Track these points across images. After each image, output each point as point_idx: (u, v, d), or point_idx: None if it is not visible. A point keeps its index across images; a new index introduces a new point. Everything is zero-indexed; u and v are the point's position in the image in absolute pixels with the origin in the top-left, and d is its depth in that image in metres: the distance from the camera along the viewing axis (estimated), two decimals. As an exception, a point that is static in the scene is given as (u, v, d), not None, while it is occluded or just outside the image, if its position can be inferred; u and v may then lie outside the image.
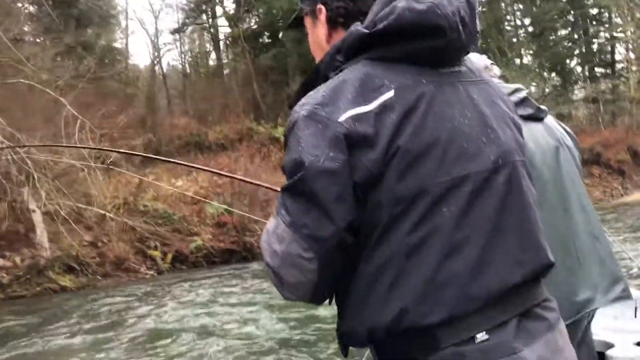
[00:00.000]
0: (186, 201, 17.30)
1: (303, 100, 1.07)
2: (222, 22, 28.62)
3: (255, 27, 27.78)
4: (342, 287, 1.08)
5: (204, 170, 4.43)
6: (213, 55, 30.29)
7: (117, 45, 30.48)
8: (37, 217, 11.47)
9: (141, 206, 14.83)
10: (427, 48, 1.06)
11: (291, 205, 1.02)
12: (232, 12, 27.57)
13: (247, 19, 28.24)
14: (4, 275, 11.69)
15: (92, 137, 12.03)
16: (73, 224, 12.92)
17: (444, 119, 1.04)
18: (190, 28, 30.55)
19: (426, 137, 1.02)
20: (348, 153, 1.00)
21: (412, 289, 0.99)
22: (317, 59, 1.23)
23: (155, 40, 28.43)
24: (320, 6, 1.20)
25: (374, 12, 1.09)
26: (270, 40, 26.59)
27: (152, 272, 13.92)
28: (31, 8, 23.51)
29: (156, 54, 28.05)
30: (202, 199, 16.37)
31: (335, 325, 1.13)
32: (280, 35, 24.43)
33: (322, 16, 1.21)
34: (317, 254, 1.01)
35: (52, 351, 7.29)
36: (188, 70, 31.17)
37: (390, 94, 1.02)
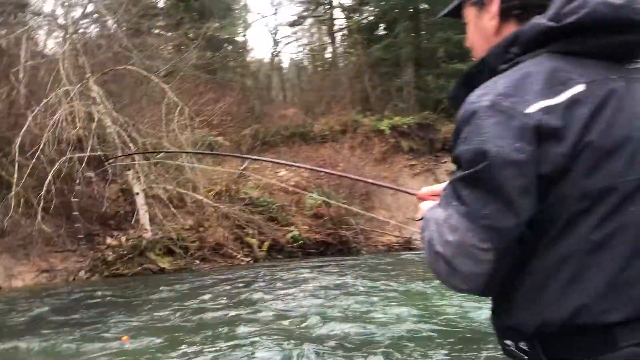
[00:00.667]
0: (287, 190, 17.40)
1: (479, 90, 1.06)
2: (338, 14, 28.63)
3: (370, 18, 27.39)
4: (509, 280, 1.07)
5: (288, 165, 4.17)
6: (330, 48, 30.49)
7: (239, 38, 31.96)
8: (140, 200, 12.02)
9: (242, 194, 15.07)
10: (619, 43, 1.05)
11: (468, 195, 1.02)
12: (348, 3, 27.44)
13: (362, 10, 27.91)
14: (110, 253, 12.41)
15: (191, 123, 12.34)
16: (173, 209, 13.46)
17: (635, 116, 1.03)
18: (308, 21, 31.12)
19: (617, 134, 1.01)
20: (536, 145, 0.99)
21: (593, 286, 0.99)
22: (477, 50, 1.24)
23: (274, 34, 29.21)
24: None
25: (557, 4, 1.07)
26: (384, 31, 26.05)
27: (248, 259, 14.10)
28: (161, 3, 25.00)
29: (275, 47, 28.78)
30: (301, 190, 16.35)
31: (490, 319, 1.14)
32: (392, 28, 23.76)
33: (494, 7, 1.18)
34: (494, 245, 1.00)
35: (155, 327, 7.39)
36: (305, 63, 31.64)
37: (580, 87, 1.01)
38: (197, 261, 13.42)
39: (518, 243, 1.03)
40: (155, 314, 7.88)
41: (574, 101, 1.00)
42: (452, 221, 1.03)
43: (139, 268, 12.12)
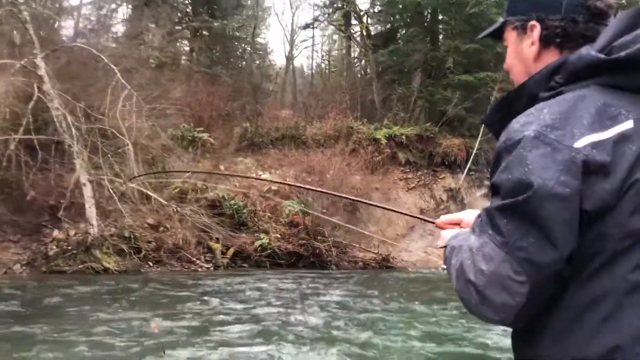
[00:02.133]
0: (266, 196, 16.31)
1: (523, 118, 1.05)
2: (353, 19, 27.62)
3: (383, 25, 26.35)
4: (539, 313, 1.03)
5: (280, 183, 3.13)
6: (342, 52, 29.60)
7: (260, 40, 31.36)
8: (87, 192, 11.02)
9: (210, 195, 13.99)
10: None
11: (507, 225, 0.99)
12: (363, 8, 26.41)
13: (375, 16, 26.88)
14: (54, 247, 11.42)
15: (137, 110, 11.30)
16: (131, 204, 12.44)
17: None
18: (322, 25, 30.34)
19: None
20: (582, 180, 0.97)
21: (628, 327, 0.96)
22: (516, 74, 1.25)
23: (289, 36, 28.50)
24: (535, 23, 1.19)
25: (607, 37, 1.08)
26: (393, 36, 24.95)
27: (208, 266, 13.00)
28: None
29: (289, 48, 28.00)
30: (279, 199, 15.26)
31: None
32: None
33: (536, 33, 1.19)
34: (530, 279, 0.97)
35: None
36: (316, 67, 30.85)
37: (629, 124, 1.01)
38: (151, 263, 12.37)
39: (556, 278, 0.98)
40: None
41: (622, 137, 0.99)
42: (486, 250, 1.00)
43: (80, 266, 11.08)
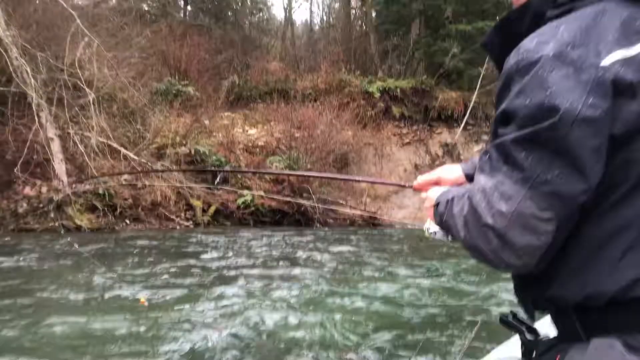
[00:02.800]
0: (252, 151, 15.79)
1: (536, 37, 0.96)
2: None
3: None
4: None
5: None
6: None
7: None
8: (56, 147, 10.50)
9: (192, 149, 13.46)
10: None
11: (527, 158, 0.91)
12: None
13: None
14: (24, 204, 11.00)
15: (98, 58, 10.65)
16: (110, 159, 11.96)
17: None
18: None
19: None
20: (611, 101, 0.88)
21: None
22: None
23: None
24: None
25: None
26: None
27: (188, 224, 12.59)
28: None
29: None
30: (260, 156, 14.73)
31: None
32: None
33: None
34: (557, 214, 0.90)
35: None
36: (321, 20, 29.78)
37: None
38: (128, 221, 11.96)
39: (580, 210, 0.91)
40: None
41: None
42: (504, 188, 0.92)
43: (52, 224, 10.68)
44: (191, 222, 12.67)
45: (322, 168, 16.02)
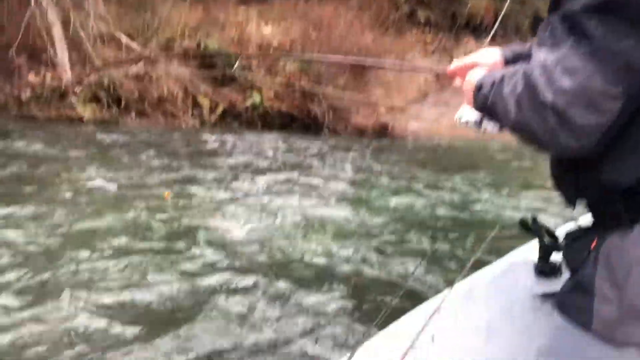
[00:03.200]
0: (264, 49, 15.12)
1: None
2: None
3: None
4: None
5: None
6: None
7: None
8: (57, 32, 10.10)
9: (202, 43, 12.92)
10: None
11: (597, 27, 0.83)
12: None
13: None
14: (28, 91, 10.82)
15: None
16: (115, 49, 11.57)
17: None
18: None
19: None
20: None
21: None
22: None
23: None
24: None
25: None
26: None
27: (194, 122, 12.36)
28: None
29: None
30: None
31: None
32: None
33: None
34: (625, 90, 0.84)
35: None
36: None
37: None
38: (133, 115, 11.76)
39: None
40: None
41: None
42: (569, 62, 0.84)
43: (54, 113, 10.53)
44: (198, 120, 12.43)
45: (339, 73, 15.42)
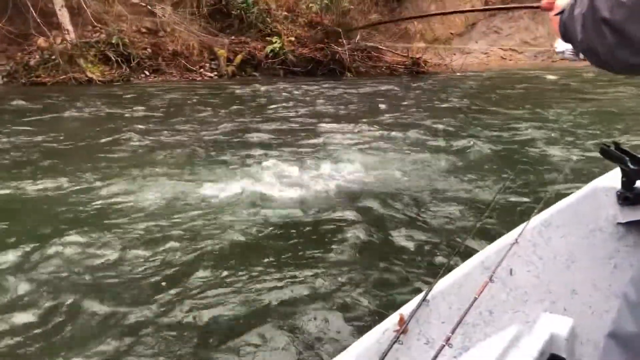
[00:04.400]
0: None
1: None
2: None
3: None
4: None
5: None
6: None
7: None
8: (56, -7, 9.69)
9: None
10: None
11: None
12: None
13: None
14: (36, 56, 10.60)
15: None
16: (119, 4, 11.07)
17: None
18: None
19: None
20: None
21: None
22: None
23: None
24: None
25: None
26: None
27: (211, 74, 11.77)
28: None
29: None
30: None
31: None
32: None
33: None
34: None
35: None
36: None
37: None
38: (147, 72, 11.33)
39: None
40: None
41: None
42: None
43: (63, 76, 10.27)
44: (215, 73, 11.82)
45: (366, 8, 14.19)
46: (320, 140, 5.90)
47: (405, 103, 8.69)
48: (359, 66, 12.52)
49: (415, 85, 10.86)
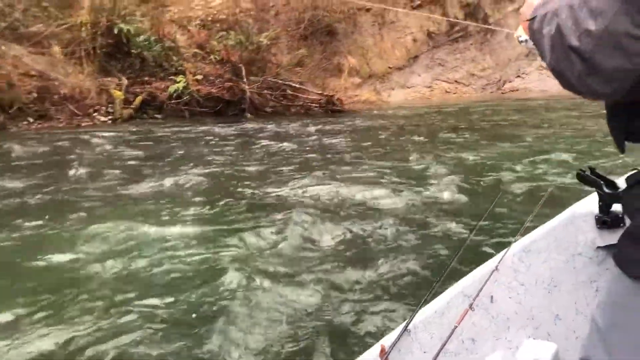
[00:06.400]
0: (207, 26, 13.24)
1: None
2: None
3: None
4: None
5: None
6: None
7: None
8: None
9: (114, 29, 11.21)
10: None
11: None
12: None
13: None
14: None
15: None
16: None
17: None
18: None
19: None
20: None
21: None
22: None
23: None
24: None
25: None
26: None
27: (106, 119, 10.74)
28: None
29: None
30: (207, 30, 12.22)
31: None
32: None
33: None
34: None
35: None
36: None
37: None
38: (31, 119, 10.30)
39: None
40: None
41: None
42: (594, 3, 0.79)
43: None
44: (110, 116, 10.79)
45: (290, 44, 13.31)
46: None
47: (311, 145, 7.69)
48: (276, 105, 11.52)
49: (324, 126, 9.80)
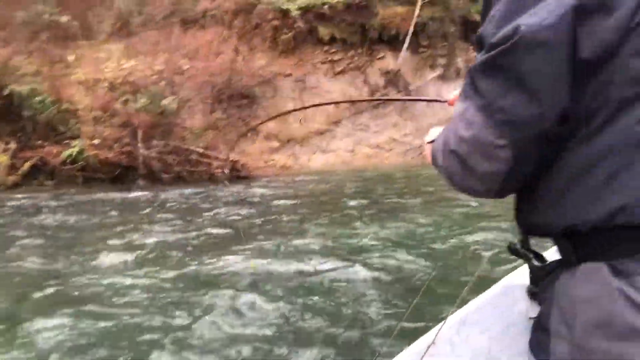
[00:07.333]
0: (116, 88, 12.76)
1: None
2: None
3: None
4: (535, 177, 0.92)
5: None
6: None
7: None
8: None
9: (5, 90, 10.58)
10: None
11: (487, 84, 0.86)
12: None
13: None
14: None
15: None
16: None
17: None
18: None
19: None
20: (576, 22, 0.80)
21: (637, 185, 0.83)
22: None
23: None
24: None
25: None
26: None
27: (-12, 185, 9.93)
28: None
29: None
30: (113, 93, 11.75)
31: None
32: None
33: None
34: (511, 142, 0.85)
35: None
36: None
37: None
38: None
39: (542, 140, 0.85)
40: None
41: None
42: (468, 115, 0.88)
43: None
44: (-7, 182, 9.98)
45: (203, 108, 12.98)
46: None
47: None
48: (179, 171, 10.97)
49: (218, 193, 9.28)
